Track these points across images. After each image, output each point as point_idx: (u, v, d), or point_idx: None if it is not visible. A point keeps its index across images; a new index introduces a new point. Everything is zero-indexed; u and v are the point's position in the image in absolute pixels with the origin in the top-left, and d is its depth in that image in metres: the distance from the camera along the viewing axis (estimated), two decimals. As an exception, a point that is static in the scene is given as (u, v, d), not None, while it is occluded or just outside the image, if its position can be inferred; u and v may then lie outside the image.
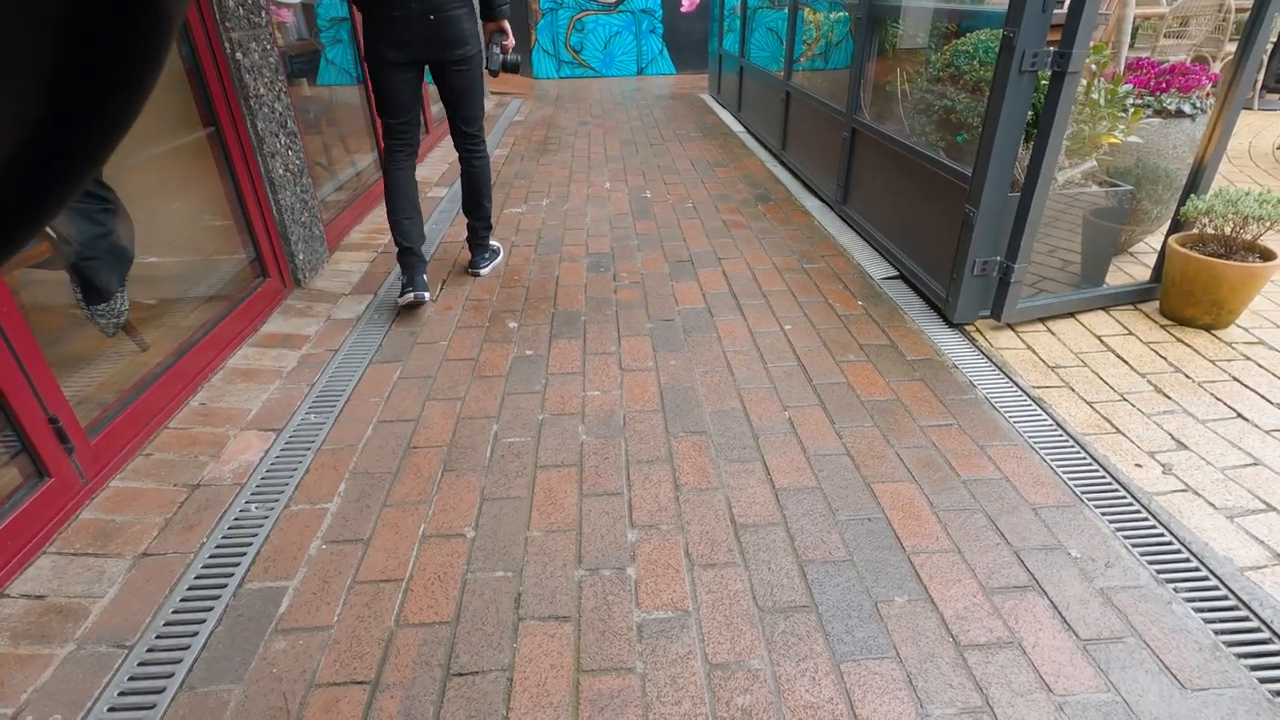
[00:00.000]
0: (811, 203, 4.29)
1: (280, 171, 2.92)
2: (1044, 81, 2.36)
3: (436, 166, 5.17)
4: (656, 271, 3.30)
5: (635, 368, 2.49)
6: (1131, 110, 2.63)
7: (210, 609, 1.54)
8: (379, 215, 4.09)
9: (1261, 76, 6.38)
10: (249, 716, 1.32)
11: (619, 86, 9.11)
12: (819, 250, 3.54)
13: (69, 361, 2.11)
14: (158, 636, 1.48)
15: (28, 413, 1.68)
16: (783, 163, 5.15)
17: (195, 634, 1.49)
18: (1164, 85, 2.87)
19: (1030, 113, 2.40)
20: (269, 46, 2.86)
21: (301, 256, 3.08)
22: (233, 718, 1.32)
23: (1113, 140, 2.62)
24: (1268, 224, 2.40)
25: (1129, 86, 2.67)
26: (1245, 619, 1.50)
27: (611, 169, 5.08)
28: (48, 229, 2.13)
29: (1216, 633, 1.47)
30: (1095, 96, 2.57)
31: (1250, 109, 6.39)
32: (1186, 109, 2.83)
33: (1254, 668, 1.39)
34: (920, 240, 3.03)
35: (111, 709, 1.33)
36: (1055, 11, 2.24)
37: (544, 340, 2.68)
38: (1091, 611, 1.52)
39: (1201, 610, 1.52)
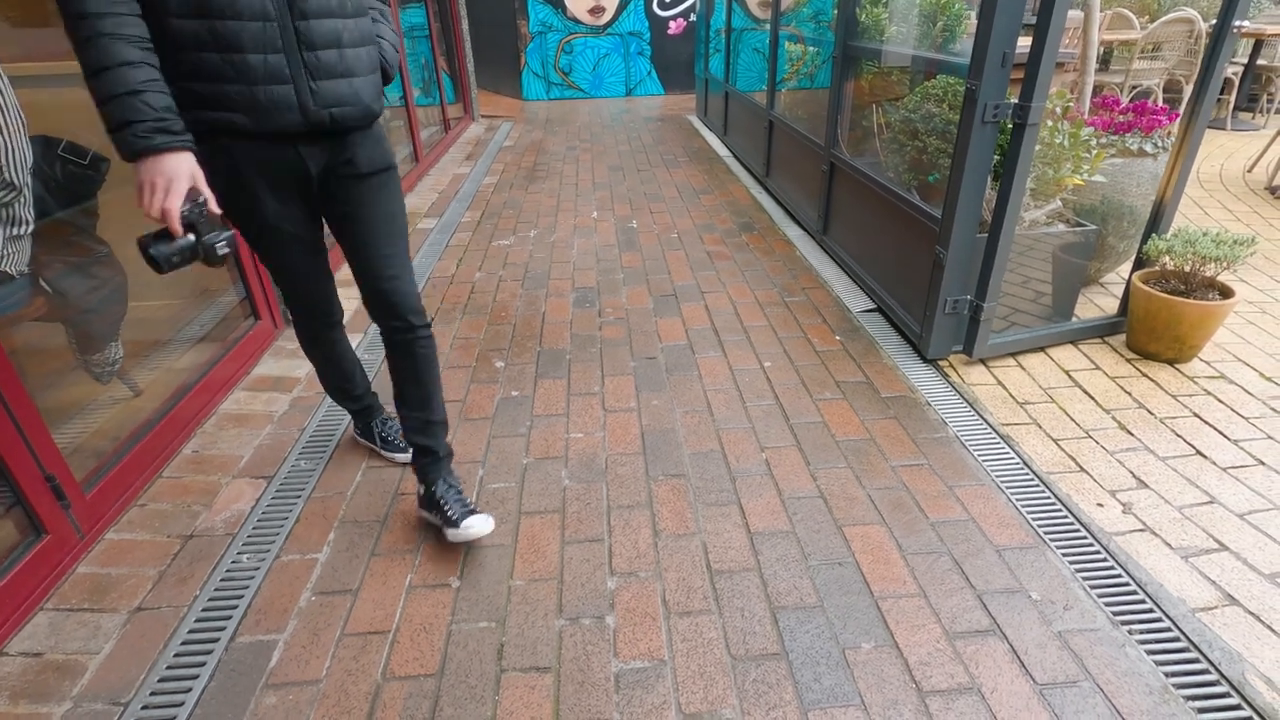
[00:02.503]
0: (794, 231, 4.38)
1: (271, 216, 2.98)
2: (1008, 127, 2.46)
3: (426, 196, 5.25)
4: (641, 307, 3.38)
5: (618, 408, 2.56)
6: (1094, 152, 2.73)
7: (203, 664, 1.60)
8: (369, 249, 4.16)
9: (1233, 98, 6.54)
10: (240, 774, 1.38)
11: (608, 108, 9.23)
12: (800, 282, 3.63)
13: (63, 408, 2.17)
14: (152, 693, 1.53)
15: (24, 472, 1.73)
16: (766, 189, 5.25)
17: (189, 690, 1.54)
18: (1126, 126, 2.98)
19: (997, 155, 2.50)
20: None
21: (292, 297, 3.13)
22: (225, 775, 1.38)
23: (1076, 183, 2.72)
24: (1224, 264, 2.50)
25: (1091, 129, 2.77)
26: (1195, 661, 1.57)
27: (599, 196, 5.17)
28: (43, 284, 2.20)
29: (1167, 675, 1.54)
30: (1059, 140, 2.67)
31: (1224, 129, 6.54)
32: (1149, 149, 2.93)
33: (1200, 710, 1.46)
34: (896, 276, 3.12)
35: (108, 768, 1.39)
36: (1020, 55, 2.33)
37: (529, 380, 2.75)
38: (1049, 655, 1.59)
39: (1154, 653, 1.59)
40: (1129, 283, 2.75)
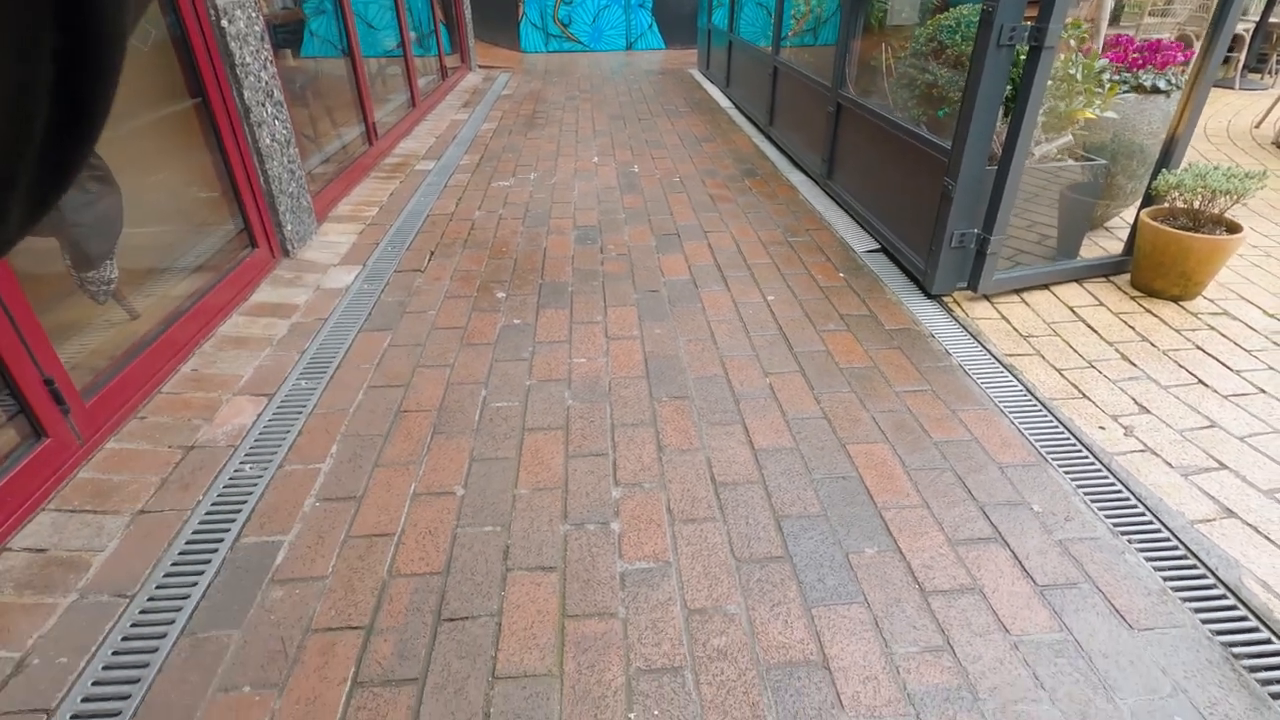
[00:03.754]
0: (797, 177, 4.33)
1: (267, 141, 2.93)
2: (1022, 57, 2.41)
3: (424, 140, 5.15)
4: (643, 244, 3.34)
5: (621, 336, 2.54)
6: (1108, 86, 2.68)
7: (208, 561, 1.60)
8: (366, 188, 4.11)
9: (1243, 56, 6.44)
10: (248, 659, 1.39)
11: (608, 61, 9.04)
12: (804, 224, 3.60)
13: (62, 329, 2.13)
14: (158, 587, 1.54)
15: (24, 373, 1.71)
16: (770, 138, 5.18)
17: (194, 584, 1.54)
18: (1141, 62, 2.92)
19: (1009, 88, 2.45)
20: (254, 14, 2.85)
21: (290, 227, 3.09)
22: (233, 660, 1.38)
23: (1088, 116, 2.68)
24: (1234, 197, 2.48)
25: (1105, 61, 2.72)
26: (1193, 567, 1.59)
27: (600, 143, 5.09)
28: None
29: (1165, 579, 1.56)
30: (1073, 71, 2.62)
31: (1232, 89, 6.46)
32: (1162, 85, 2.89)
33: (1197, 610, 1.48)
34: (901, 214, 3.09)
35: (115, 653, 1.39)
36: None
37: (531, 310, 2.73)
38: (1049, 561, 1.61)
39: (1152, 559, 1.61)
40: (1136, 221, 2.73)
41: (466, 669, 1.37)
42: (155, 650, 1.40)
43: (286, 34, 3.94)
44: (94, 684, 1.33)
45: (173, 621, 1.46)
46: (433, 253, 3.25)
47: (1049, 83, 2.66)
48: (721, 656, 1.39)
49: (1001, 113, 2.48)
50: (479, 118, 5.86)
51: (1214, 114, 5.66)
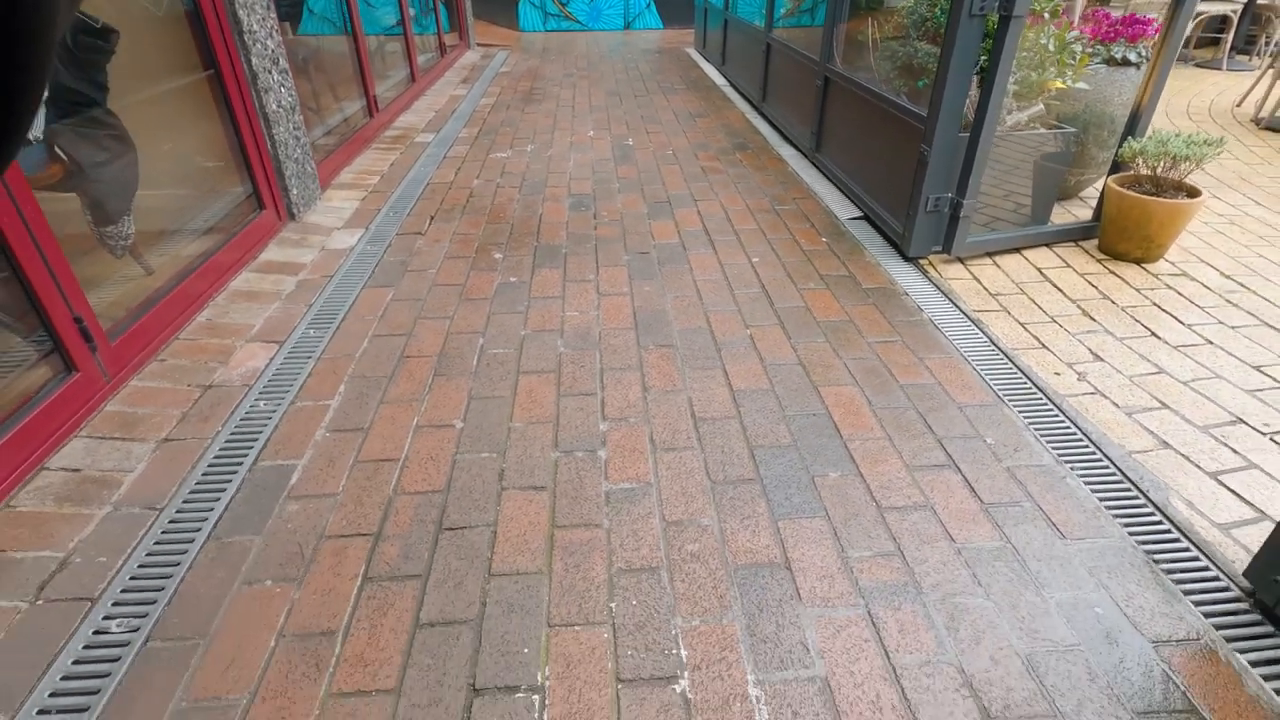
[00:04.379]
0: (787, 151, 4.45)
1: (274, 107, 3.05)
2: (993, 26, 2.53)
3: (423, 114, 5.26)
4: (635, 211, 3.47)
5: (611, 293, 2.68)
6: (1079, 57, 2.81)
7: (229, 480, 1.75)
8: (367, 158, 4.22)
9: (1230, 38, 6.54)
10: (269, 559, 1.54)
11: (605, 40, 9.10)
12: (791, 194, 3.73)
13: (84, 282, 2.27)
14: (184, 501, 1.69)
15: (56, 311, 1.85)
16: (762, 114, 5.29)
17: (218, 499, 1.70)
18: (1113, 34, 3.04)
19: (984, 58, 2.58)
20: (261, -17, 2.96)
21: (295, 191, 3.22)
22: (255, 560, 1.54)
23: (1059, 86, 2.80)
24: (1194, 163, 2.61)
25: (1076, 33, 2.84)
26: (1127, 489, 1.75)
27: (596, 118, 5.20)
28: (59, 152, 2.28)
29: (1100, 499, 1.72)
30: (1044, 42, 2.75)
31: (1219, 69, 6.56)
32: (1133, 57, 3.01)
33: (1125, 524, 1.64)
34: (882, 181, 3.22)
35: (149, 554, 1.55)
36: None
37: (527, 269, 2.87)
38: (997, 483, 1.76)
39: (1091, 483, 1.77)
40: (1104, 187, 2.87)
41: (465, 568, 1.52)
42: (185, 552, 1.55)
43: (288, 6, 4.04)
44: (131, 578, 1.49)
45: (199, 529, 1.61)
46: (433, 217, 3.38)
47: (1023, 53, 2.78)
48: (694, 559, 1.55)
49: (976, 82, 2.60)
50: (477, 93, 5.96)
51: (1199, 93, 5.77)
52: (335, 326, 2.44)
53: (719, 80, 6.59)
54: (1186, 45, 6.87)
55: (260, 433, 1.92)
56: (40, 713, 1.23)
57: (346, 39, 4.51)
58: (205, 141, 2.88)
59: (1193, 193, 2.70)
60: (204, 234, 2.76)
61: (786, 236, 3.19)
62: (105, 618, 1.40)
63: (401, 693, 1.27)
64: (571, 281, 2.77)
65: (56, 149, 2.27)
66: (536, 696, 1.27)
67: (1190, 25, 6.44)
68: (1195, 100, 5.51)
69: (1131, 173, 2.83)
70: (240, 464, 1.81)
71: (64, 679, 1.29)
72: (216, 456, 1.83)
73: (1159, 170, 2.71)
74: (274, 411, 2.01)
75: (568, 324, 2.47)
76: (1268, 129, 4.69)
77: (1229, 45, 6.59)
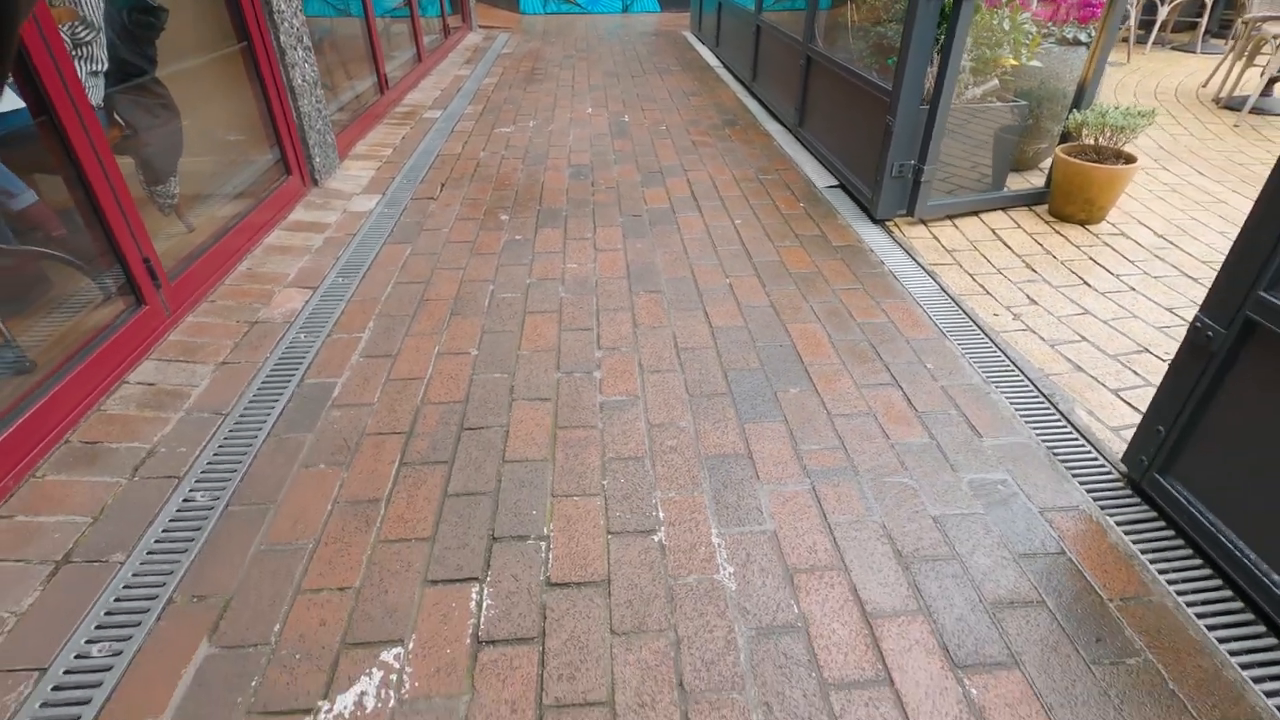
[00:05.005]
0: (774, 127, 4.74)
1: (299, 81, 3.34)
2: (950, 7, 2.81)
3: (430, 92, 5.53)
4: (630, 180, 3.77)
5: (607, 249, 2.99)
6: (1031, 37, 3.10)
7: (281, 393, 2.07)
8: (379, 132, 4.51)
9: (1205, 22, 6.79)
10: (320, 450, 1.86)
11: (604, 23, 9.33)
12: (774, 165, 4.02)
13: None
14: (245, 409, 2.01)
15: (130, 252, 2.16)
16: (752, 93, 5.56)
17: (273, 407, 2.01)
18: (1065, 16, 3.33)
19: (942, 37, 2.86)
20: (287, -33, 3.23)
21: (318, 159, 3.51)
22: (309, 450, 1.86)
23: (1012, 63, 3.10)
24: (1129, 133, 2.91)
25: (1028, 14, 3.13)
26: (1040, 402, 2.07)
27: (594, 96, 5.48)
28: (117, 117, 2.58)
29: (1016, 409, 2.04)
30: (996, 22, 3.04)
31: (1194, 53, 6.82)
32: (1083, 38, 3.29)
33: (1035, 427, 1.96)
34: (855, 151, 3.52)
35: (221, 446, 1.87)
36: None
37: (531, 228, 3.17)
38: (932, 399, 2.08)
39: (1010, 397, 2.09)
40: (1054, 155, 3.17)
41: (483, 456, 1.84)
42: (250, 444, 1.87)
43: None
44: (208, 464, 1.81)
45: (260, 428, 1.93)
46: (443, 185, 3.68)
47: (980, 33, 3.07)
48: (673, 451, 1.87)
49: (936, 59, 2.89)
50: (481, 73, 6.23)
51: (1171, 75, 6.04)
52: (361, 275, 2.75)
53: (713, 61, 6.85)
54: (1164, 29, 7.12)
55: (303, 358, 2.24)
56: (149, 554, 1.55)
57: (359, 21, 4.78)
58: (240, 112, 3.18)
59: (1129, 159, 3.00)
60: (238, 197, 3.06)
61: (768, 202, 3.49)
62: (191, 490, 1.72)
63: (435, 540, 1.60)
64: (571, 239, 3.07)
65: (115, 115, 2.57)
66: (543, 543, 1.60)
67: (1166, 10, 6.71)
68: (1164, 82, 5.78)
69: (1078, 143, 3.13)
70: (289, 381, 2.13)
71: (164, 531, 1.61)
72: (268, 376, 2.15)
73: (1100, 140, 3.01)
74: (313, 342, 2.32)
75: (568, 274, 2.78)
76: (1226, 108, 4.97)
77: (1203, 29, 6.84)
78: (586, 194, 3.57)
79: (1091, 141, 3.07)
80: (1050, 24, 3.35)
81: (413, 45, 6.06)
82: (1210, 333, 1.51)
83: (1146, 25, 7.00)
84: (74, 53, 2.18)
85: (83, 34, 2.30)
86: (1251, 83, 4.96)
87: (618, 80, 6.02)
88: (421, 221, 3.23)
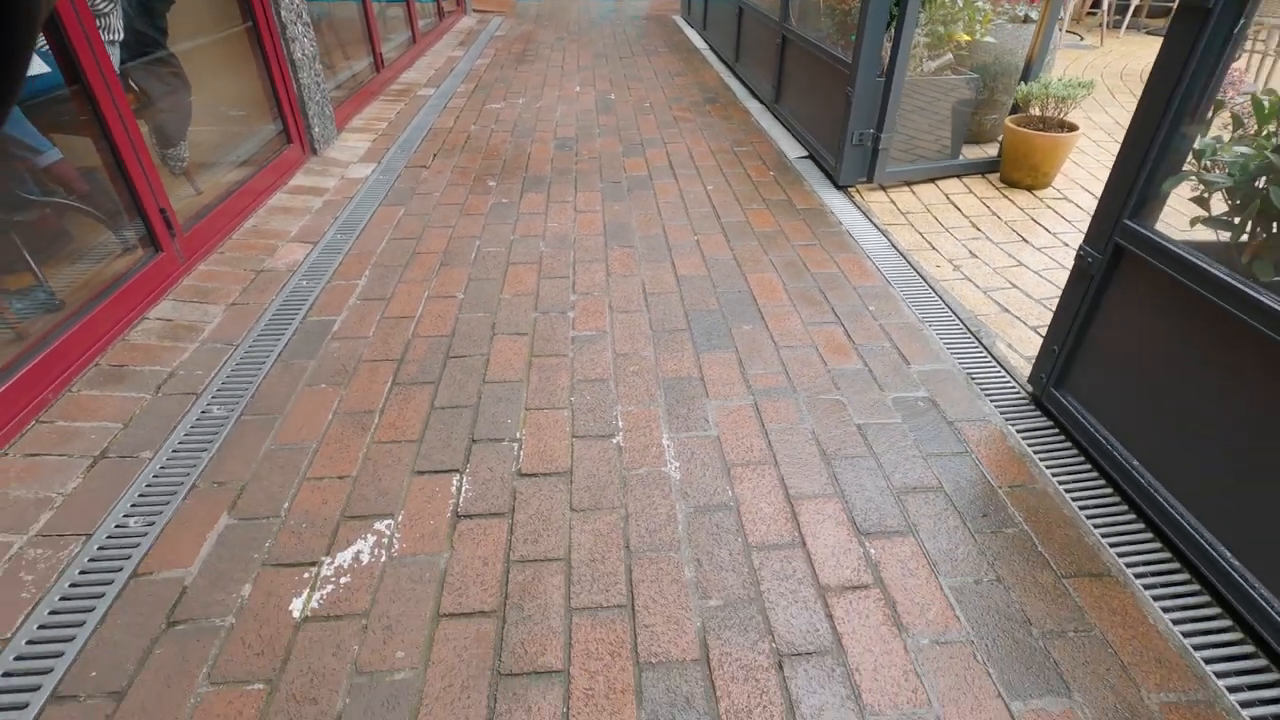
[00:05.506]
0: (753, 105, 4.96)
1: (299, 55, 3.55)
2: (904, -15, 3.03)
3: (424, 71, 5.73)
4: (612, 151, 4.00)
5: (586, 210, 3.22)
6: (983, 14, 3.32)
7: (286, 328, 2.31)
8: (375, 108, 4.72)
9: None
10: (322, 373, 2.10)
11: (596, 7, 9.49)
12: (750, 138, 4.25)
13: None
14: (254, 340, 2.24)
15: (148, 202, 2.39)
16: (735, 73, 5.77)
17: (279, 338, 2.25)
18: (1019, -4, 3.55)
19: (895, 12, 3.08)
20: (287, -54, 3.44)
21: (317, 129, 3.73)
22: (312, 373, 2.10)
23: (964, 38, 3.32)
24: (1070, 103, 3.14)
25: (981, -6, 3.35)
26: (966, 336, 2.31)
27: (582, 76, 5.68)
28: (133, 85, 2.80)
29: (945, 343, 2.28)
30: (953, 2, 3.26)
31: (1139, 32, 7.03)
32: (1033, 15, 3.51)
33: (959, 357, 2.20)
34: (822, 122, 3.74)
35: (233, 371, 2.10)
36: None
37: (516, 193, 3.40)
38: (870, 334, 2.32)
39: (941, 334, 2.33)
40: (1004, 125, 3.39)
41: (465, 378, 2.08)
42: (260, 367, 2.11)
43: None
44: (223, 383, 2.05)
45: (269, 356, 2.17)
46: (435, 155, 3.90)
47: (937, 10, 3.29)
48: (634, 375, 2.11)
49: (890, 31, 3.11)
50: (474, 54, 6.43)
51: (1139, 57, 6.26)
52: (358, 232, 2.98)
53: (700, 44, 7.05)
54: (1138, 15, 7.33)
55: (306, 300, 2.47)
56: (174, 452, 1.79)
57: (358, 6, 4.97)
58: (244, 83, 3.39)
59: (1071, 128, 3.23)
60: (243, 164, 3.28)
61: (740, 171, 3.72)
62: (208, 404, 1.96)
63: (423, 441, 1.84)
64: (554, 202, 3.30)
65: (130, 82, 2.79)
66: (516, 444, 1.84)
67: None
68: (1132, 64, 6.00)
69: (1025, 114, 3.36)
70: (293, 319, 2.36)
71: (186, 435, 1.85)
72: (274, 315, 2.39)
73: (1046, 110, 3.23)
74: (314, 288, 2.56)
75: (549, 232, 3.01)
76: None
77: (1144, 12, 7.04)
78: (570, 163, 3.79)
79: (1038, 112, 3.29)
80: (1003, 2, 3.57)
81: (408, 28, 6.26)
82: (1090, 259, 1.75)
83: (1124, 10, 7.20)
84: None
85: (101, 5, 2.52)
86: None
87: (606, 61, 6.23)
88: (414, 187, 3.46)
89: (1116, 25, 7.22)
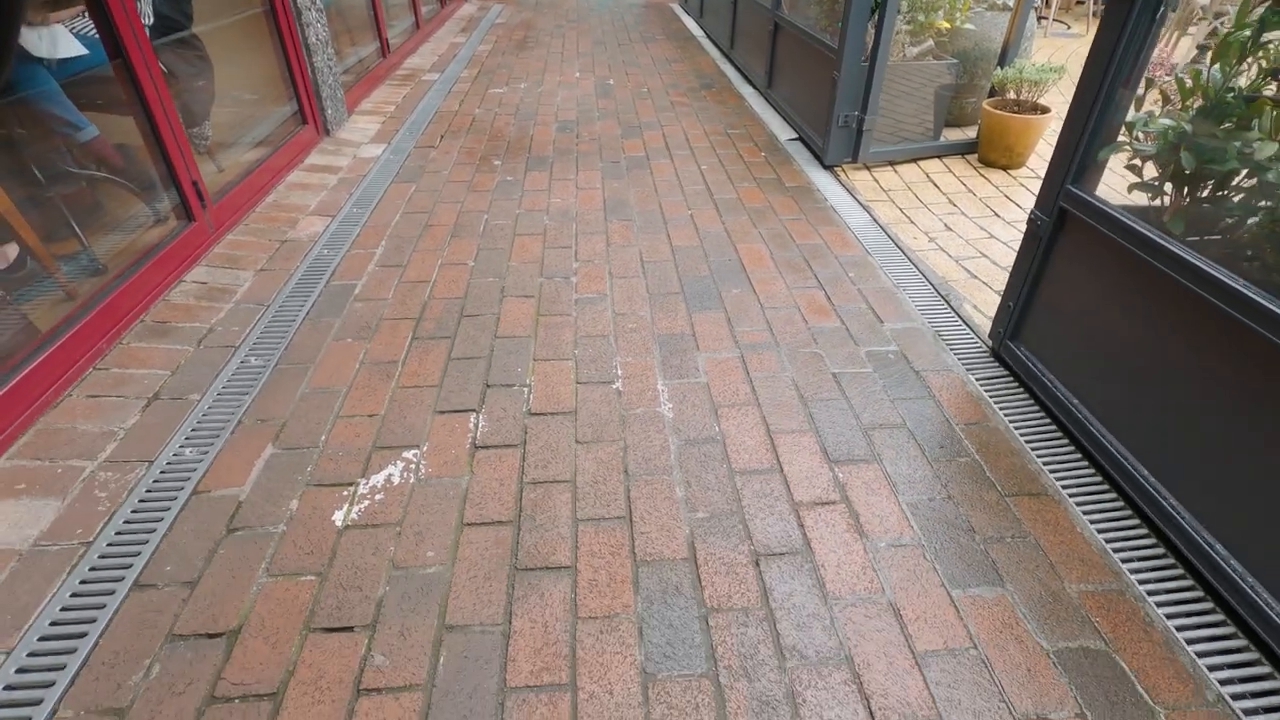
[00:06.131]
0: (747, 90, 5.14)
1: (313, 39, 3.73)
2: (887, -25, 3.22)
3: (428, 58, 5.90)
4: (611, 133, 4.19)
5: (587, 187, 3.42)
6: (963, 2, 3.51)
7: (312, 291, 2.51)
8: (382, 92, 4.90)
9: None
10: (347, 328, 2.30)
11: (595, -4, 9.63)
12: (743, 122, 4.44)
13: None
14: (284, 301, 2.45)
15: (182, 173, 2.59)
16: (730, 60, 5.95)
17: (307, 299, 2.45)
18: (997, -15, 3.73)
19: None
20: (302, -65, 3.61)
21: (330, 111, 3.92)
22: (339, 329, 2.30)
23: (944, 25, 3.51)
24: (1042, 87, 3.33)
25: (960, -18, 3.54)
26: (937, 300, 2.52)
27: (582, 62, 5.86)
28: (161, 65, 2.98)
29: (917, 306, 2.49)
30: (933, -11, 3.44)
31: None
32: (1011, 3, 3.70)
33: (928, 317, 2.41)
34: (810, 105, 3.93)
35: (266, 328, 2.31)
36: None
37: (521, 171, 3.59)
38: (848, 297, 2.53)
39: (913, 297, 2.53)
40: (981, 108, 3.59)
41: (479, 335, 2.29)
42: (291, 324, 2.31)
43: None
44: (257, 338, 2.25)
45: (298, 313, 2.37)
46: (442, 136, 4.08)
47: (917, -1, 3.48)
48: (632, 331, 2.32)
49: (874, 17, 3.30)
50: (475, 41, 6.59)
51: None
52: (372, 207, 3.18)
53: (696, 32, 7.21)
54: (1125, 3, 7.47)
55: (328, 267, 2.67)
56: (219, 395, 2.00)
57: (361, -11, 5.14)
58: (262, 65, 3.58)
59: (1044, 110, 3.43)
60: (261, 144, 3.47)
61: (733, 152, 3.92)
62: (246, 355, 2.17)
63: (442, 386, 2.05)
64: (556, 180, 3.50)
65: (160, 64, 2.97)
66: (525, 389, 2.05)
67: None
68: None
69: (1001, 97, 3.55)
70: (317, 283, 2.56)
71: (230, 380, 2.06)
72: (300, 279, 2.59)
73: (1020, 94, 3.43)
74: (335, 256, 2.76)
75: (552, 206, 3.21)
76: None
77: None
78: (571, 144, 3.99)
79: (1013, 95, 3.49)
80: (983, -9, 3.76)
81: (411, 14, 6.41)
82: (1039, 221, 1.96)
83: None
84: (134, 5, 2.59)
85: (135, -9, 2.70)
86: (1182, 50, 5.37)
87: (605, 48, 6.40)
88: (424, 165, 3.65)
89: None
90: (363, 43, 5.22)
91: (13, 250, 2.24)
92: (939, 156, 3.76)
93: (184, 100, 3.09)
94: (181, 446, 1.81)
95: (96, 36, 2.42)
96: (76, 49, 2.54)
